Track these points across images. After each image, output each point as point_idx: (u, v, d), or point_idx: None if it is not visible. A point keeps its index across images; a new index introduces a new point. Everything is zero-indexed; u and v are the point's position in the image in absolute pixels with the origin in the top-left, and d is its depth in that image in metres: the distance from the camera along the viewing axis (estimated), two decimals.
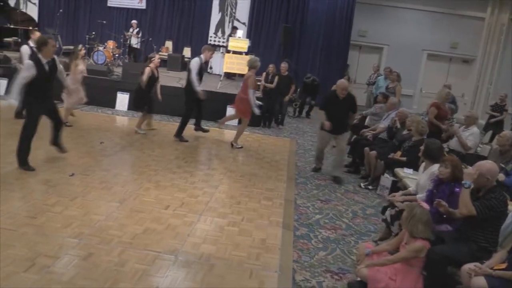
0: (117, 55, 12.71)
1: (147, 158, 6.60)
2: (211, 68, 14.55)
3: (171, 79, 11.04)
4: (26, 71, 5.13)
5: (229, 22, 14.71)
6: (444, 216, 3.77)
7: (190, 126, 8.10)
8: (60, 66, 5.73)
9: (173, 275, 3.38)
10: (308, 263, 3.88)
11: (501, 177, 5.19)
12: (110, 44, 12.82)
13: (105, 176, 5.51)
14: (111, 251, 3.64)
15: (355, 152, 7.27)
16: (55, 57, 5.50)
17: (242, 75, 11.66)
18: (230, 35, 13.14)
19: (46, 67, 5.26)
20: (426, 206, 3.55)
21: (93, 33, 13.14)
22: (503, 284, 2.91)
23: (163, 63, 11.63)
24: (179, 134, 7.83)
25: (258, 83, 9.44)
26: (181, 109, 8.76)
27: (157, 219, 4.37)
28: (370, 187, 6.30)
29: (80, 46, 8.34)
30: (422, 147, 4.59)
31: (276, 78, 10.10)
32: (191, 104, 7.80)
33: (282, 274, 3.61)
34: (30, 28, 12.27)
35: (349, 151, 7.55)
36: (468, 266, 3.16)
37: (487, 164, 3.45)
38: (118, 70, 11.02)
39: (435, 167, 4.19)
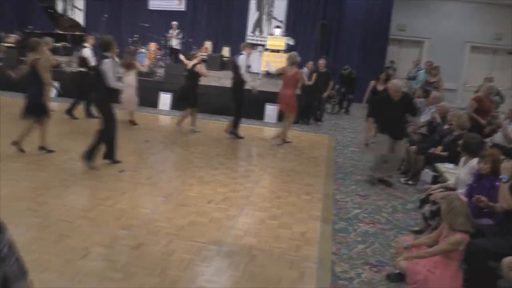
0: (158, 56, 13.14)
1: (190, 155, 6.86)
2: (249, 66, 14.74)
3: (211, 78, 11.30)
4: (111, 69, 5.52)
5: (267, 20, 14.85)
6: (485, 210, 3.76)
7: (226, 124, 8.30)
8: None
9: (217, 265, 3.57)
10: (347, 256, 3.97)
11: None
12: (152, 46, 13.25)
13: (151, 173, 5.80)
14: (159, 241, 3.88)
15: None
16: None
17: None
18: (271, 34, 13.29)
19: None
20: (464, 199, 3.55)
21: (136, 36, 13.63)
22: None
23: (203, 63, 11.91)
24: (234, 130, 8.08)
25: None
26: (221, 108, 9.02)
27: (201, 213, 4.59)
28: (410, 182, 6.28)
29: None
30: (461, 142, 4.57)
31: (314, 75, 10.15)
32: (240, 101, 7.98)
33: (321, 265, 3.72)
34: (77, 33, 12.89)
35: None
36: (509, 259, 3.16)
37: None
38: (160, 71, 11.40)
39: (474, 161, 4.17)
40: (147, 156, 6.64)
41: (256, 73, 12.46)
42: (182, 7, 15.46)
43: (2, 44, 13.35)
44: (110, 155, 5.92)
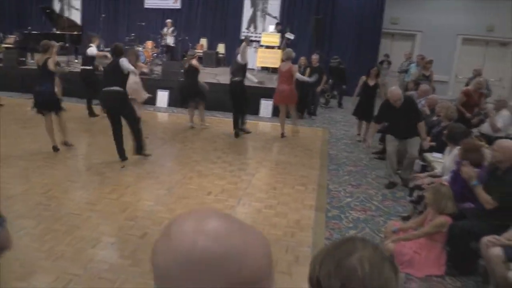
0: (155, 54, 13.35)
1: (188, 150, 7.12)
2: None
3: (207, 75, 11.54)
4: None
5: (261, 17, 15.06)
6: (467, 195, 4.03)
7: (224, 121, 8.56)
8: None
9: None
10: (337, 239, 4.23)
11: None
12: (149, 44, 13.46)
13: (152, 168, 6.06)
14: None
15: (385, 139, 7.49)
16: None
17: (275, 69, 12.05)
18: (276, 31, 13.46)
19: None
20: (446, 184, 3.83)
21: (132, 34, 13.82)
22: None
23: (199, 60, 12.14)
24: (243, 127, 8.38)
25: None
26: (218, 104, 9.25)
27: (201, 204, 4.86)
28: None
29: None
30: (445, 131, 4.84)
31: (308, 70, 10.38)
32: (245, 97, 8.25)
33: (314, 249, 3.99)
34: (75, 33, 13.08)
35: (379, 138, 7.79)
36: (487, 238, 3.43)
37: (506, 142, 3.70)
38: (157, 69, 11.62)
39: (457, 150, 4.44)
40: (148, 151, 6.88)
41: (252, 69, 12.69)
42: (177, 5, 15.65)
43: (1, 45, 13.53)
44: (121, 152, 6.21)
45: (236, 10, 15.25)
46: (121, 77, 5.94)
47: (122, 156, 6.12)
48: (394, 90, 5.83)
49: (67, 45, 12.62)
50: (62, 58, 11.43)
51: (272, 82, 10.27)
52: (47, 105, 6.31)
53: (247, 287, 0.65)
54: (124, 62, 5.91)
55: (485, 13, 15.20)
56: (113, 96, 5.88)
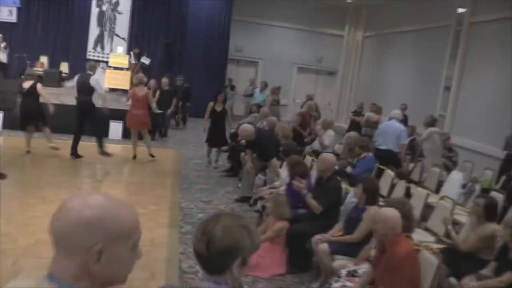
0: None
1: (29, 176, 6.64)
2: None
3: (51, 95, 10.79)
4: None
5: (109, 37, 14.71)
6: (300, 204, 4.68)
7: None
8: None
9: None
10: (192, 253, 4.46)
11: (349, 170, 6.40)
12: None
13: None
14: (5, 261, 3.84)
15: (234, 157, 8.05)
16: None
17: (124, 90, 11.88)
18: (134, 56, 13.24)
19: None
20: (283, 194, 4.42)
21: None
22: (339, 246, 3.84)
23: (39, 79, 11.29)
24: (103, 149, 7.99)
25: None
26: (62, 126, 8.74)
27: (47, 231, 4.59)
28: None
29: None
30: (281, 148, 5.53)
31: (158, 93, 10.54)
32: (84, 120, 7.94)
33: (169, 264, 4.16)
34: None
35: (228, 157, 8.33)
36: (317, 237, 4.05)
37: (326, 156, 4.44)
38: None
39: None
40: None
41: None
42: (13, 18, 14.29)
43: None
44: None
45: (81, 28, 14.57)
46: None
47: None
48: (244, 128, 6.28)
49: None
50: None
51: (120, 103, 10.12)
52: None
53: (124, 239, 0.98)
54: None
55: (314, 46, 17.38)
56: None
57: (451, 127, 10.18)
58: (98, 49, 14.58)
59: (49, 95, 8.42)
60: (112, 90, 12.70)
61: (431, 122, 7.66)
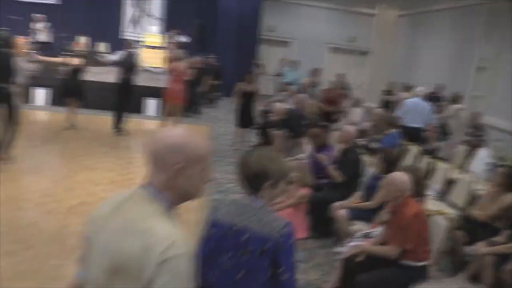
0: (30, 51, 12.62)
1: (73, 147, 7.11)
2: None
3: (89, 74, 11.32)
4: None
5: (143, 17, 15.14)
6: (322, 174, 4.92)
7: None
8: None
9: None
10: None
11: (374, 145, 6.56)
12: (21, 39, 12.67)
13: (35, 163, 6.00)
14: (53, 218, 4.30)
15: (263, 134, 8.31)
16: None
17: (157, 68, 12.34)
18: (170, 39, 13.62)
19: None
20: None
21: (4, 28, 12.88)
22: (357, 212, 4.08)
23: (81, 58, 11.84)
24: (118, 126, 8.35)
25: None
26: (101, 103, 9.20)
27: (90, 195, 5.04)
28: None
29: None
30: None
31: (190, 71, 10.86)
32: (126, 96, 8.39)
33: (198, 226, 4.50)
34: None
35: (260, 133, 8.59)
36: (337, 204, 4.30)
37: (346, 128, 4.65)
38: (34, 66, 11.06)
39: None
40: (30, 149, 6.74)
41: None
42: (54, 0, 14.94)
43: None
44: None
45: (117, 9, 15.10)
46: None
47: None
48: (279, 106, 6.78)
49: None
50: None
51: (155, 81, 10.54)
52: None
53: (198, 162, 1.35)
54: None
55: (348, 26, 17.25)
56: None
57: (486, 107, 10.02)
58: (133, 29, 15.04)
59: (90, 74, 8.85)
60: (147, 68, 13.18)
61: (456, 100, 7.67)
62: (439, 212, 3.74)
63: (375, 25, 17.44)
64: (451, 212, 4.18)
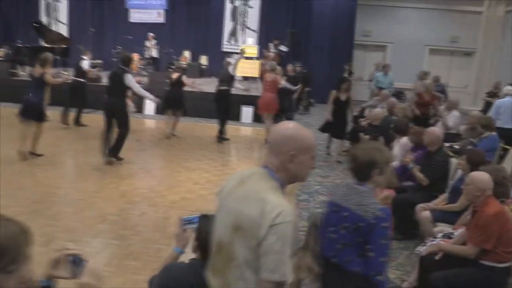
0: (141, 66, 14.09)
1: (176, 150, 7.87)
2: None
3: (193, 84, 12.29)
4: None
5: (241, 30, 15.99)
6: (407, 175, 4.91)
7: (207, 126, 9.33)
8: None
9: None
10: (305, 216, 5.06)
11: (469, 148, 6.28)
12: (135, 56, 14.18)
13: (144, 164, 6.81)
14: (158, 211, 4.91)
15: (353, 138, 8.36)
16: None
17: (254, 78, 12.99)
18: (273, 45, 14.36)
19: None
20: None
21: (119, 47, 14.54)
22: (441, 214, 4.04)
23: (184, 71, 12.89)
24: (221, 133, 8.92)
25: None
26: (202, 111, 9.93)
27: (190, 191, 5.62)
28: None
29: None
30: (392, 125, 5.74)
31: (284, 79, 11.25)
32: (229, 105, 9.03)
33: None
34: (64, 46, 13.77)
35: (348, 138, 8.66)
36: (421, 205, 4.29)
37: (433, 129, 4.60)
38: (143, 79, 12.35)
39: (404, 139, 5.33)
40: (139, 152, 7.63)
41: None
42: (161, 19, 16.46)
43: None
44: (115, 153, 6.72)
45: (217, 23, 16.13)
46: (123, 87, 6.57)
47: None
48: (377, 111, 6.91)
49: (57, 57, 13.26)
50: (51, 70, 12.08)
51: (251, 90, 11.09)
52: (33, 113, 6.56)
53: (307, 151, 1.69)
54: (129, 78, 6.48)
55: (449, 25, 16.39)
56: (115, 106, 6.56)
57: None
58: (232, 41, 15.95)
59: (193, 84, 9.64)
60: (244, 78, 13.91)
61: None
62: None
63: (481, 23, 16.33)
64: None
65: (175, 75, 9.02)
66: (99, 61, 14.57)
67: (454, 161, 4.95)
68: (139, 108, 11.14)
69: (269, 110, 9.02)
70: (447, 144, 6.14)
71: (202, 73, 15.03)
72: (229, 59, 9.60)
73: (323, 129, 8.44)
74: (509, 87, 7.33)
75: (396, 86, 12.67)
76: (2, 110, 10.54)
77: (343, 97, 7.89)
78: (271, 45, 14.34)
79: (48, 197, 5.14)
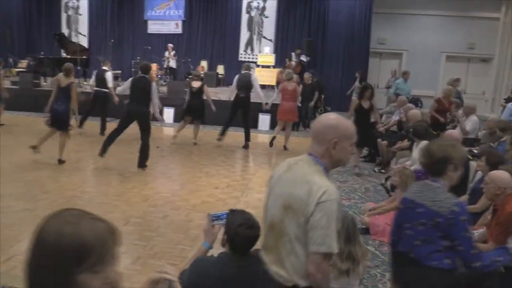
0: (159, 75, 14.37)
1: (196, 157, 8.03)
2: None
3: (210, 94, 12.47)
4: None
5: (257, 39, 16.19)
6: None
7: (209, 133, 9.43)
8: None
9: None
10: None
11: None
12: (153, 66, 14.47)
13: (165, 170, 6.97)
14: (180, 214, 5.03)
15: (371, 144, 8.38)
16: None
17: (271, 86, 13.14)
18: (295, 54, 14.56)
19: None
20: (409, 167, 4.74)
21: (138, 58, 14.87)
22: None
23: (201, 80, 13.10)
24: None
25: None
26: (220, 119, 10.06)
27: (210, 195, 5.73)
28: (383, 171, 7.45)
29: None
30: (412, 129, 5.77)
31: (301, 87, 11.35)
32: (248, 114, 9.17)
33: None
34: (85, 57, 14.12)
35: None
36: None
37: (450, 132, 4.63)
38: (162, 89, 12.59)
39: (423, 143, 5.35)
40: (160, 158, 7.78)
41: None
42: (179, 30, 16.78)
43: (13, 69, 14.56)
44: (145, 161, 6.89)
45: (234, 34, 16.37)
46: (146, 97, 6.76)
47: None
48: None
49: (78, 68, 13.61)
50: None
51: (268, 98, 11.20)
52: (59, 123, 6.82)
53: (348, 139, 1.89)
54: (154, 87, 6.76)
55: (465, 32, 16.31)
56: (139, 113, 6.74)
57: None
58: (248, 51, 16.15)
59: (211, 94, 9.78)
60: (261, 86, 14.05)
61: None
62: None
63: (498, 29, 16.22)
64: None
65: (197, 84, 9.03)
66: (118, 71, 14.91)
67: (473, 164, 4.97)
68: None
69: (291, 118, 9.13)
70: (466, 149, 6.15)
71: (219, 82, 15.25)
72: (248, 64, 9.70)
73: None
74: None
75: (412, 94, 12.66)
76: (25, 119, 10.89)
77: (365, 105, 7.70)
78: (293, 54, 14.51)
79: (73, 200, 5.29)
